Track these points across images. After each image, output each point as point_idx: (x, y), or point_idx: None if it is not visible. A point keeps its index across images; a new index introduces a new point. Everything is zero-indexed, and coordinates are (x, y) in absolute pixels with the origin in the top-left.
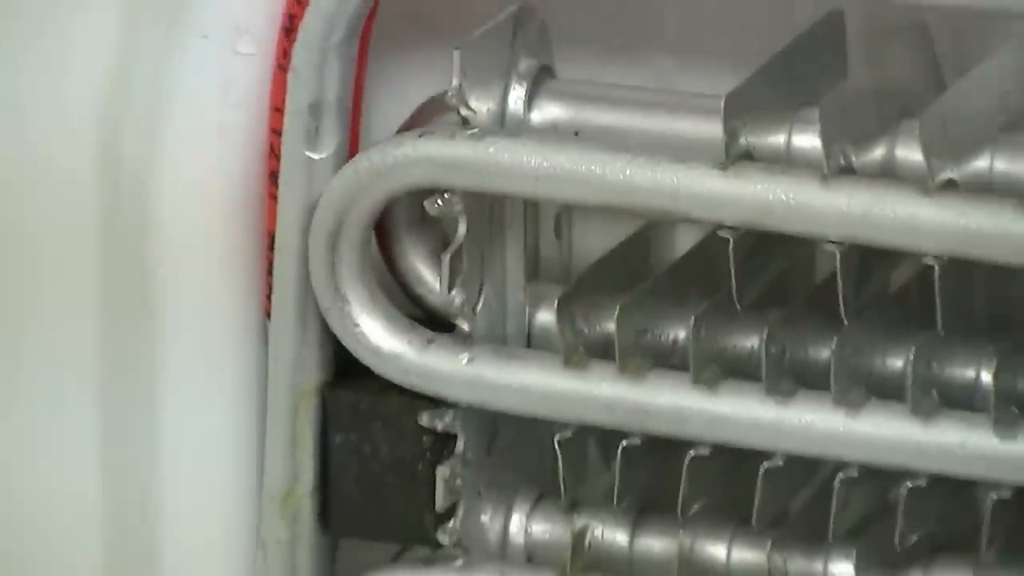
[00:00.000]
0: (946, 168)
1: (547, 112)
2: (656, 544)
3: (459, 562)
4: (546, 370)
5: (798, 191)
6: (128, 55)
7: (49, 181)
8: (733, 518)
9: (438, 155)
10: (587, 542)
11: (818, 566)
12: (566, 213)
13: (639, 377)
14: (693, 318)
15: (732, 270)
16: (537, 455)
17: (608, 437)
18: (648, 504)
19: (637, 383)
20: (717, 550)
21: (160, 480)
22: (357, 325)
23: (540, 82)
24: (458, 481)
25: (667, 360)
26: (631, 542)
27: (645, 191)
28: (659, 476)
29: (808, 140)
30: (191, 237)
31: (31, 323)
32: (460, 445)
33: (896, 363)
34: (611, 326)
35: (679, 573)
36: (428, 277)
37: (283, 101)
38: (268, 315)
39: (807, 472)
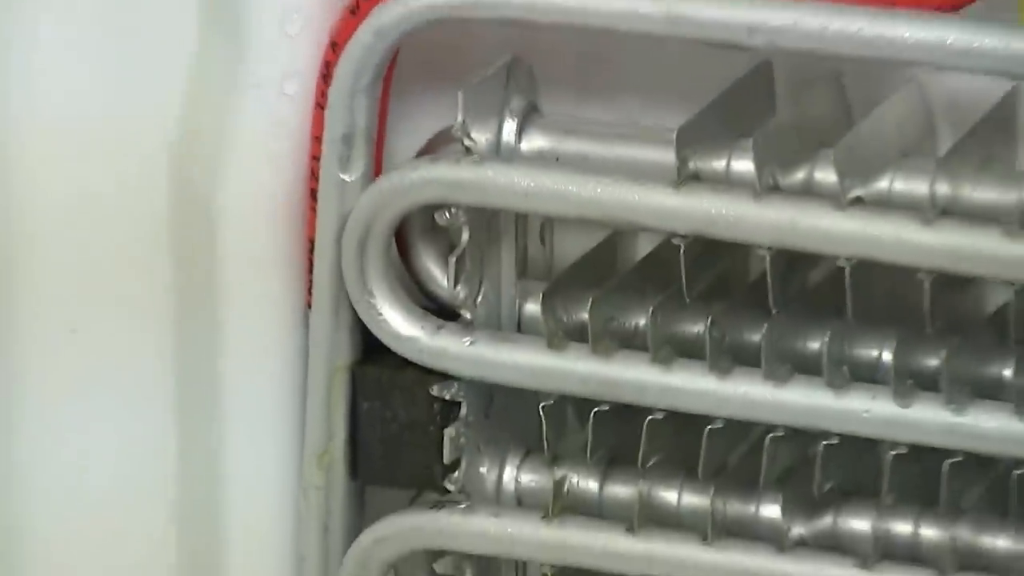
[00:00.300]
0: (855, 187)
1: (534, 142)
2: (620, 490)
3: (462, 505)
4: (533, 350)
5: (735, 206)
6: (198, 97)
7: (132, 199)
8: (683, 469)
9: (445, 177)
10: (565, 489)
11: (751, 508)
12: (549, 224)
13: (607, 356)
14: (651, 309)
15: (682, 270)
16: (525, 419)
17: (583, 404)
18: (615, 458)
19: (606, 361)
20: (670, 495)
21: (225, 441)
22: (380, 315)
23: (528, 118)
24: (461, 440)
25: (630, 342)
26: (600, 489)
27: (612, 206)
28: (623, 435)
29: (744, 165)
30: (248, 244)
31: (113, 320)
32: (463, 410)
33: (814, 345)
34: (585, 315)
35: (639, 514)
36: (438, 275)
37: (321, 133)
38: (309, 306)
39: (742, 433)
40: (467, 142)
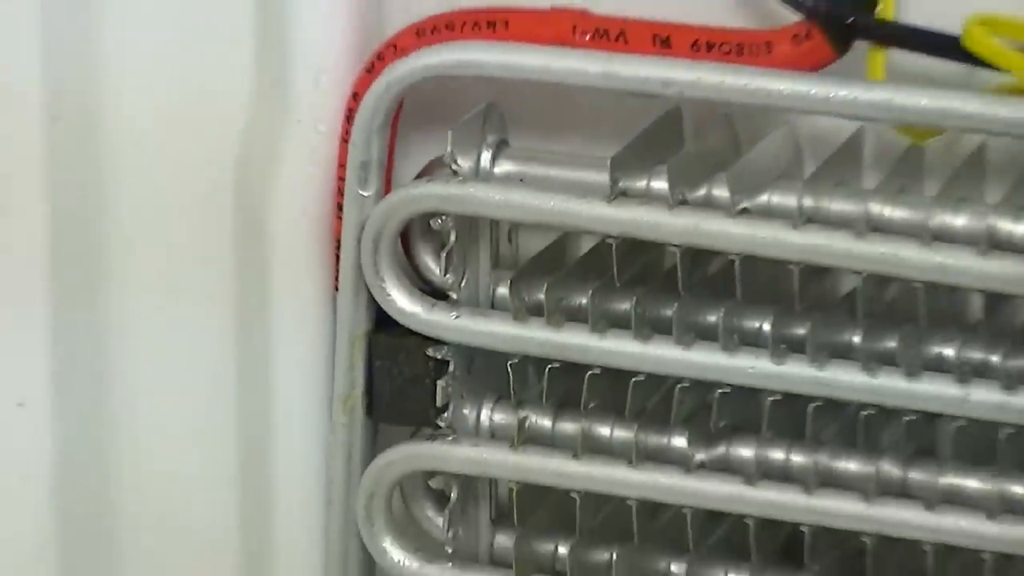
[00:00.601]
0: (742, 201)
1: (504, 167)
2: (568, 427)
3: (450, 438)
4: (503, 322)
5: (653, 215)
6: (256, 132)
7: (207, 206)
8: (614, 411)
9: (438, 193)
10: (527, 425)
11: (664, 440)
12: (515, 228)
13: (558, 327)
14: (591, 291)
15: (614, 263)
16: (497, 374)
17: (540, 363)
18: (563, 403)
19: (557, 330)
20: (604, 430)
21: (275, 391)
22: (389, 296)
23: (499, 149)
24: (449, 389)
25: (575, 316)
26: (553, 425)
27: (562, 215)
28: (570, 386)
29: (660, 184)
30: (291, 243)
31: (190, 299)
32: (451, 367)
33: (712, 318)
34: (542, 296)
35: (581, 444)
36: (432, 266)
37: (345, 161)
38: (336, 289)
39: (658, 384)
40: (454, 167)
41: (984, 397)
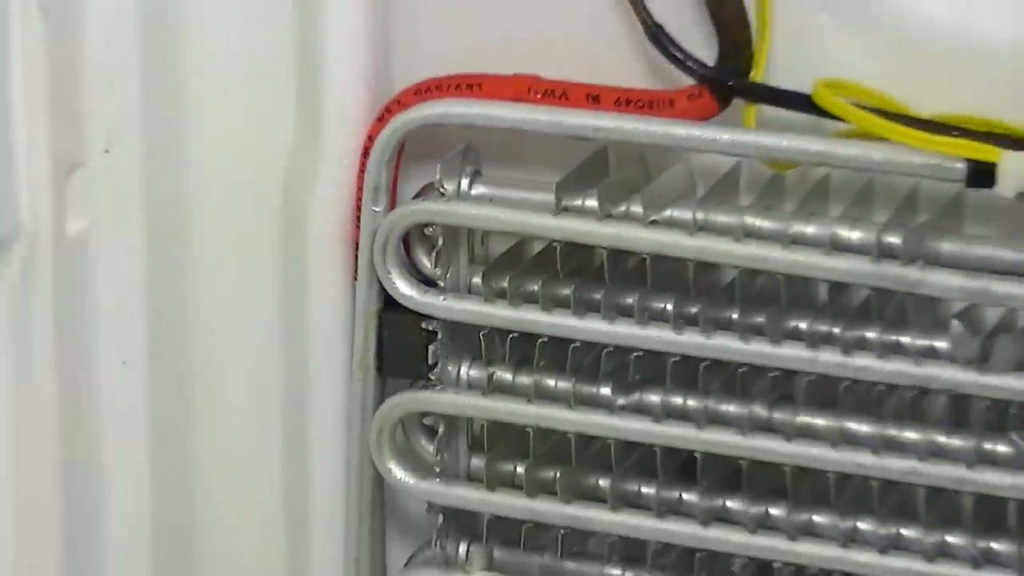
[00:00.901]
0: (652, 215)
1: (478, 190)
2: (524, 380)
3: (438, 387)
4: (477, 304)
5: (587, 225)
6: (297, 163)
7: (261, 218)
8: (557, 369)
9: (430, 209)
10: (494, 379)
11: (595, 389)
12: (486, 235)
13: (517, 307)
14: (541, 281)
15: (558, 261)
16: (473, 341)
17: (504, 333)
18: (520, 362)
19: (516, 310)
20: (550, 382)
21: (311, 355)
22: (394, 284)
23: (475, 177)
24: (437, 352)
25: (530, 299)
26: (513, 379)
27: (519, 225)
28: (526, 351)
29: (592, 202)
30: (323, 244)
31: (247, 287)
32: (439, 336)
33: (629, 301)
34: (506, 284)
35: (533, 393)
36: (425, 262)
37: (362, 185)
38: (355, 279)
39: (591, 349)
40: (441, 190)
41: (828, 359)
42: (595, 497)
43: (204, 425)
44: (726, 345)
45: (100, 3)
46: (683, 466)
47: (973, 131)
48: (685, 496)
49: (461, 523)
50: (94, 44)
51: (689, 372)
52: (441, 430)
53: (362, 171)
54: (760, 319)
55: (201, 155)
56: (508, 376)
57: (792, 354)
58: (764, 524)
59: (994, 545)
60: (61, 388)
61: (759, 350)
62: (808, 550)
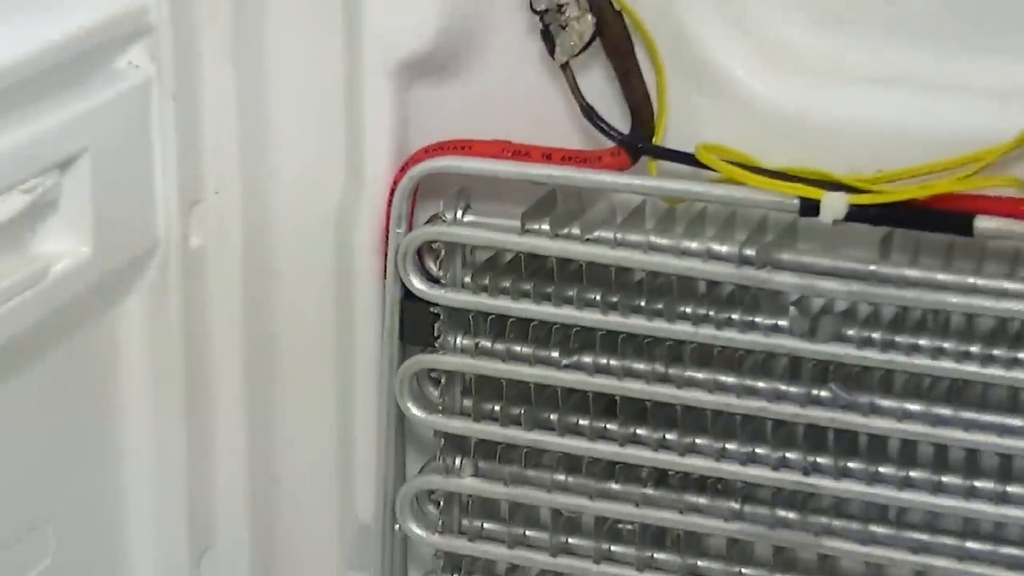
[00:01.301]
0: (586, 235)
1: (468, 218)
2: (500, 347)
3: (441, 352)
4: (466, 295)
5: (542, 242)
6: (347, 196)
7: (322, 235)
8: (524, 339)
9: (435, 230)
10: (479, 346)
11: (547, 352)
12: (474, 248)
13: (495, 297)
14: (512, 279)
15: (522, 266)
16: (464, 321)
17: (485, 314)
18: (497, 335)
19: (494, 298)
20: (518, 348)
21: (357, 329)
22: (411, 281)
23: (466, 209)
24: (440, 328)
25: (503, 292)
26: (491, 346)
27: (496, 241)
28: (502, 326)
29: (546, 226)
30: (363, 255)
31: (314, 290)
32: (441, 317)
33: (570, 292)
34: (487, 282)
35: (506, 355)
36: (432, 267)
37: (389, 214)
38: (385, 277)
39: (548, 325)
40: (443, 217)
41: (706, 332)
42: (547, 427)
43: (283, 379)
44: (636, 323)
45: (212, 92)
46: (607, 406)
47: (803, 178)
48: (608, 426)
49: (456, 444)
50: (208, 119)
51: (611, 342)
52: (443, 381)
53: (390, 205)
54: (659, 305)
55: (281, 195)
56: (488, 344)
57: (681, 329)
58: (663, 445)
59: (819, 459)
60: (187, 357)
61: (658, 326)
62: (692, 462)
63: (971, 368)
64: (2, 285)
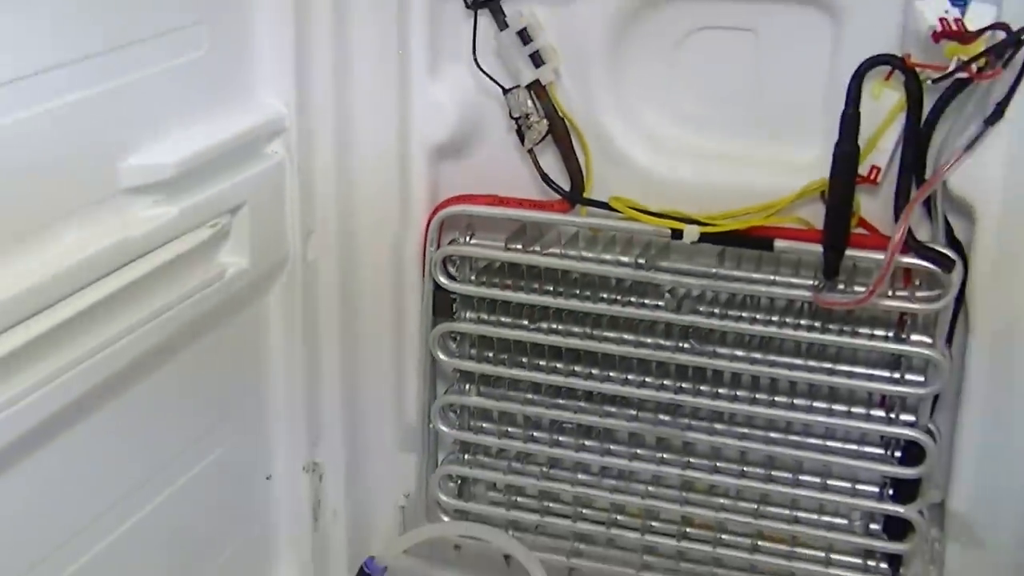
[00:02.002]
0: (544, 250)
1: (472, 242)
2: (494, 318)
3: (459, 323)
4: (472, 287)
5: (518, 256)
6: (400, 228)
7: (384, 254)
8: (510, 313)
9: (453, 249)
10: (480, 317)
11: (525, 320)
12: (476, 259)
13: (490, 288)
14: (498, 278)
15: (506, 270)
16: (475, 302)
17: (484, 299)
18: (493, 311)
19: (489, 289)
20: (508, 319)
21: (406, 313)
22: (439, 278)
23: (471, 235)
24: (457, 306)
25: (494, 286)
26: (489, 316)
27: (489, 255)
28: (495, 306)
29: (519, 245)
30: (411, 264)
31: (376, 288)
32: (457, 300)
33: (535, 285)
34: (484, 279)
35: (499, 323)
36: (452, 271)
37: (426, 239)
38: (423, 276)
39: (524, 306)
40: (458, 241)
41: (618, 310)
42: (520, 366)
43: (364, 338)
44: (574, 304)
45: (320, 168)
46: (557, 353)
47: (672, 216)
48: (557, 365)
49: (466, 377)
50: (318, 183)
51: (559, 314)
52: (458, 339)
53: (426, 232)
54: (587, 293)
55: (362, 228)
56: (486, 316)
57: (601, 307)
58: (590, 376)
59: (682, 384)
60: (305, 327)
61: (587, 306)
62: (607, 387)
63: (772, 329)
64: (196, 283)
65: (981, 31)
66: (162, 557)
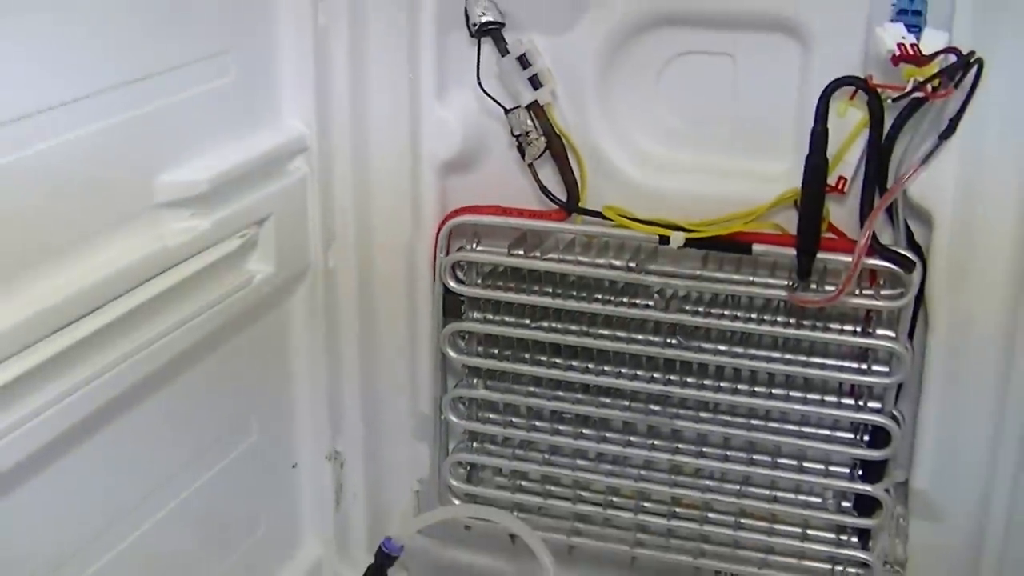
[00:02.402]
0: (544, 255)
1: (479, 248)
2: (497, 317)
3: (466, 322)
4: (478, 290)
5: (519, 260)
6: (412, 236)
7: (397, 259)
8: (511, 312)
9: (462, 255)
10: (485, 317)
11: (524, 319)
12: (482, 264)
13: (494, 290)
14: (501, 281)
15: (508, 273)
16: (478, 304)
17: (488, 300)
18: (496, 311)
19: (493, 291)
20: (511, 318)
21: (418, 311)
22: (448, 283)
23: (477, 242)
24: (464, 307)
25: (498, 288)
26: (493, 316)
27: (494, 260)
28: (498, 306)
29: (521, 251)
30: (423, 268)
31: (390, 289)
32: (464, 302)
33: (535, 287)
34: (489, 282)
35: (501, 323)
36: (460, 275)
37: (436, 245)
38: (434, 280)
39: (524, 307)
40: (466, 248)
41: (612, 309)
42: (523, 361)
43: (380, 337)
44: (571, 304)
45: (339, 183)
46: (556, 349)
47: (660, 223)
48: (557, 360)
49: (474, 372)
50: (337, 197)
51: (558, 313)
52: (466, 337)
53: (436, 239)
54: (584, 294)
55: (377, 238)
56: (491, 316)
57: (595, 307)
58: (587, 370)
59: (671, 377)
60: (327, 327)
61: (583, 305)
62: (602, 380)
63: (751, 325)
64: (227, 288)
65: (934, 55)
66: (200, 538)
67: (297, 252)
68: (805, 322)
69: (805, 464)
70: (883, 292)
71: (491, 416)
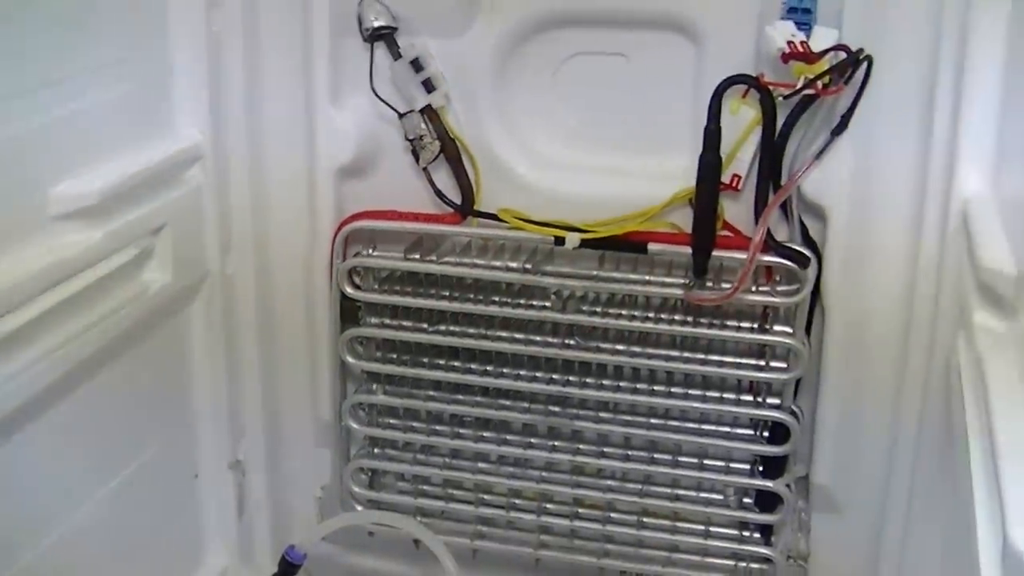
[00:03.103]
0: (440, 259)
1: (375, 253)
2: (394, 322)
3: (362, 326)
4: (375, 295)
5: (415, 264)
6: (309, 241)
7: (294, 266)
8: (407, 316)
9: (358, 261)
10: (383, 322)
11: (421, 323)
12: (378, 269)
13: (390, 295)
14: (398, 285)
15: (404, 278)
16: (375, 309)
17: (385, 305)
18: (392, 316)
19: (390, 296)
20: (408, 323)
21: (317, 315)
22: (346, 288)
23: (373, 248)
24: (361, 313)
25: (395, 292)
26: (391, 320)
27: (389, 266)
28: (394, 311)
29: (417, 255)
30: (319, 274)
31: (291, 295)
32: (362, 307)
33: (432, 291)
34: (385, 287)
35: (398, 327)
36: (357, 280)
37: (333, 251)
38: (331, 286)
39: (420, 310)
40: (362, 253)
41: (510, 311)
42: (422, 366)
43: (279, 343)
44: (468, 307)
45: (235, 191)
46: (454, 353)
47: (555, 225)
48: (454, 363)
49: (374, 377)
50: (234, 205)
51: (455, 317)
52: (364, 343)
53: (332, 245)
54: (481, 297)
55: (274, 244)
56: (389, 321)
57: (492, 309)
58: (486, 373)
59: (570, 377)
60: (226, 335)
61: (479, 308)
62: (501, 382)
63: (649, 325)
64: (124, 298)
65: (824, 52)
66: (104, 549)
67: (194, 261)
68: (702, 320)
69: (706, 462)
70: (779, 288)
71: (391, 421)
